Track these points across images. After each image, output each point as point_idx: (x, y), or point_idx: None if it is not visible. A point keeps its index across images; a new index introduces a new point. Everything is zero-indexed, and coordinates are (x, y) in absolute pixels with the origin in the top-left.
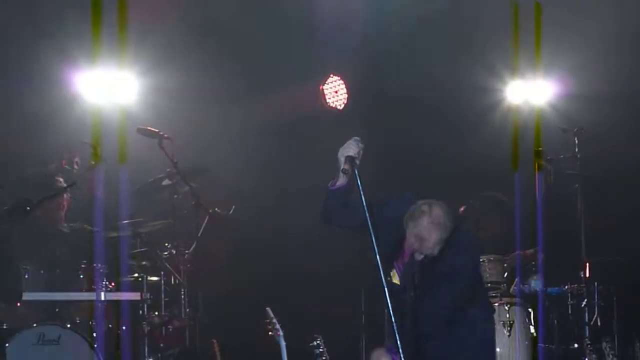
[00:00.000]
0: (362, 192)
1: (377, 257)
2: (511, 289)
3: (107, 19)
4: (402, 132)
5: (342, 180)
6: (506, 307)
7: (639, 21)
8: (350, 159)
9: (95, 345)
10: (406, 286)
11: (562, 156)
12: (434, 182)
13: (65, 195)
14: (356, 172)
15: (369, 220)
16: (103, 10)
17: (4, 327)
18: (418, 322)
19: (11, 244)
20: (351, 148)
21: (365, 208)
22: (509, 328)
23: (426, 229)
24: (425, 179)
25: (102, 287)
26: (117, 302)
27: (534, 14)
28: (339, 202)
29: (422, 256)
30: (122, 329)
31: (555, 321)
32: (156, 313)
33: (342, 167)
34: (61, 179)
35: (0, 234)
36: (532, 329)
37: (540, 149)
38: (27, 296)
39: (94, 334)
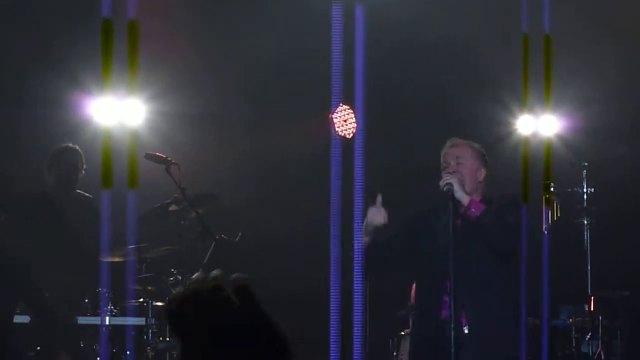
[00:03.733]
0: None
1: None
2: None
3: (117, 47)
4: (410, 164)
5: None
6: None
7: None
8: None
9: None
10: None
11: (569, 190)
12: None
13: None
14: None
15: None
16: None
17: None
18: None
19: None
20: (376, 217)
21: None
22: None
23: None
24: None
25: (107, 311)
26: (121, 327)
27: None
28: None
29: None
30: (127, 354)
31: (559, 354)
32: (160, 339)
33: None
34: None
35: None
36: None
37: (548, 182)
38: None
39: (98, 359)
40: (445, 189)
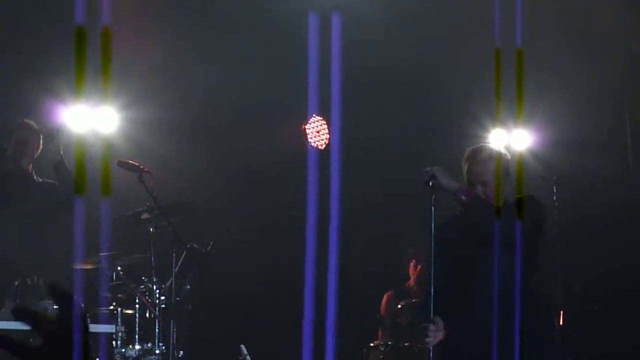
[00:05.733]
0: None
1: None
2: None
3: (90, 55)
4: (384, 176)
5: None
6: None
7: (616, 70)
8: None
9: None
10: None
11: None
12: (416, 226)
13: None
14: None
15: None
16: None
17: None
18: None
19: None
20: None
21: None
22: None
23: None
24: (408, 223)
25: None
26: (91, 335)
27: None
28: None
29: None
30: None
31: None
32: (130, 346)
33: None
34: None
35: None
36: None
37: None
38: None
39: None
40: (427, 179)
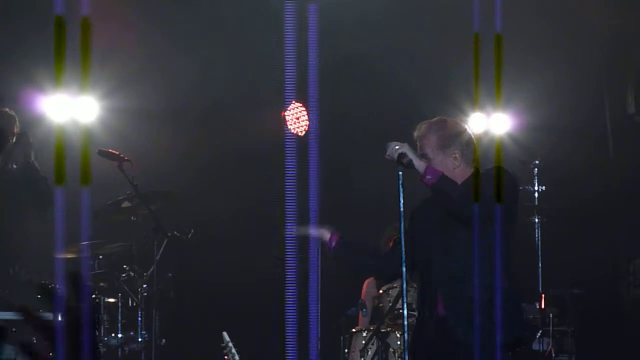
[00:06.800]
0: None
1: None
2: None
3: (69, 44)
4: (362, 162)
5: None
6: None
7: (595, 54)
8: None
9: None
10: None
11: (521, 188)
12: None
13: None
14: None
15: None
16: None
17: None
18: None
19: None
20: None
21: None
22: None
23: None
24: (388, 208)
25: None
26: None
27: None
28: None
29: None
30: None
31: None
32: (112, 335)
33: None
34: None
35: None
36: None
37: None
38: None
39: (50, 354)
40: (396, 155)
